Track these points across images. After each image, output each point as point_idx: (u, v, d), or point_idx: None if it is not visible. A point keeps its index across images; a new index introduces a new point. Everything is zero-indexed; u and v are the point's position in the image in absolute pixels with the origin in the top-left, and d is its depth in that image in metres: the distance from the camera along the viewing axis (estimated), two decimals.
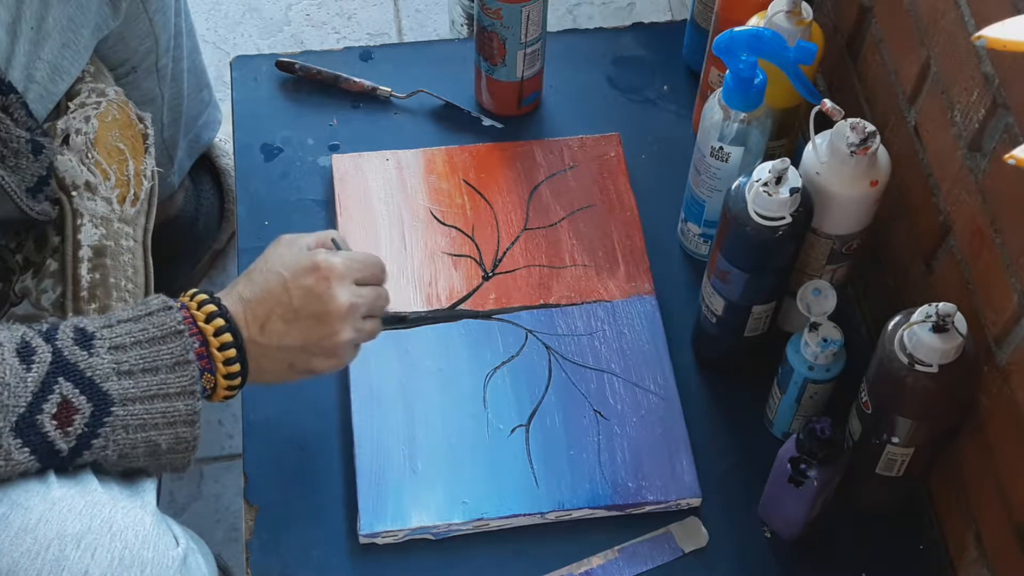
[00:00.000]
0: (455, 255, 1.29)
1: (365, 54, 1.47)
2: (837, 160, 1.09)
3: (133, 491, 1.00)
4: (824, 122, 1.09)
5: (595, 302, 1.27)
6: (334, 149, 1.39)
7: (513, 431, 1.19)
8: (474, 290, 1.27)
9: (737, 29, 1.12)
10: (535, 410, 1.20)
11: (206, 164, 1.68)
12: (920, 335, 0.99)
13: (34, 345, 0.92)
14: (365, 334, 1.08)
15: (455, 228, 1.31)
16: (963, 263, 1.10)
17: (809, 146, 1.11)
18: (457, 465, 1.16)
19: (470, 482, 1.15)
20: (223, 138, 1.69)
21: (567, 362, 1.23)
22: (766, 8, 1.20)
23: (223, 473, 1.57)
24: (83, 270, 1.18)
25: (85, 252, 1.17)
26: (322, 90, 1.43)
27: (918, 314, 0.99)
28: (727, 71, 1.14)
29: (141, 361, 0.95)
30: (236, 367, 0.99)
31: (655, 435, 1.19)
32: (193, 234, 1.64)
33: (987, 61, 1.03)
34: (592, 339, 1.24)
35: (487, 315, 1.25)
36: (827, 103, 1.08)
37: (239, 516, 1.37)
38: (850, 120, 1.08)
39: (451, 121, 1.42)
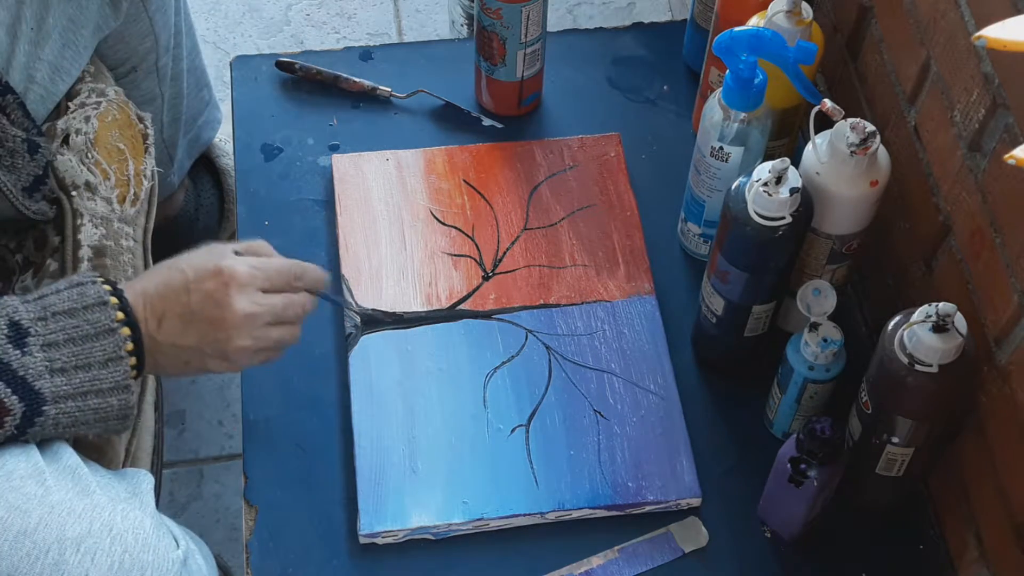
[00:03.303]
0: (455, 255, 1.29)
1: (365, 54, 1.47)
2: (837, 160, 1.09)
3: (132, 492, 1.00)
4: (824, 122, 1.09)
5: (595, 302, 1.27)
6: (334, 149, 1.39)
7: (513, 431, 1.19)
8: (474, 290, 1.27)
9: (737, 29, 1.12)
10: (535, 410, 1.20)
11: (206, 164, 1.68)
12: (920, 335, 0.99)
13: None
14: (269, 342, 1.06)
15: (455, 228, 1.31)
16: (963, 263, 1.10)
17: (809, 146, 1.11)
18: (457, 465, 1.16)
19: (470, 482, 1.15)
20: (223, 138, 1.69)
21: (567, 362, 1.23)
22: (766, 8, 1.20)
23: (223, 473, 1.57)
24: (83, 270, 1.17)
25: (85, 252, 1.17)
26: (322, 90, 1.43)
27: (918, 314, 0.99)
28: (727, 71, 1.14)
29: (74, 359, 0.95)
30: (134, 360, 0.99)
31: (655, 435, 1.19)
32: (193, 234, 1.64)
33: (987, 61, 1.03)
34: (592, 339, 1.24)
35: (487, 315, 1.25)
36: (827, 103, 1.08)
37: (239, 516, 1.37)
38: (850, 120, 1.08)
39: (451, 121, 1.42)
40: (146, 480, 1.03)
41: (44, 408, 0.94)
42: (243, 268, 1.03)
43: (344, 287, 1.26)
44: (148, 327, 1.00)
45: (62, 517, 0.91)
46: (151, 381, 1.23)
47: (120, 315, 0.98)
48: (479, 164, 1.36)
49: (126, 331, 0.98)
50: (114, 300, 0.98)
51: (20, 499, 0.90)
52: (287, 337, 1.08)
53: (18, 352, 0.93)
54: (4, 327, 0.94)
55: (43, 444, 0.97)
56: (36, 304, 0.96)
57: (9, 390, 0.92)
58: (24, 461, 0.93)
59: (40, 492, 0.92)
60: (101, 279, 0.99)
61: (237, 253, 1.06)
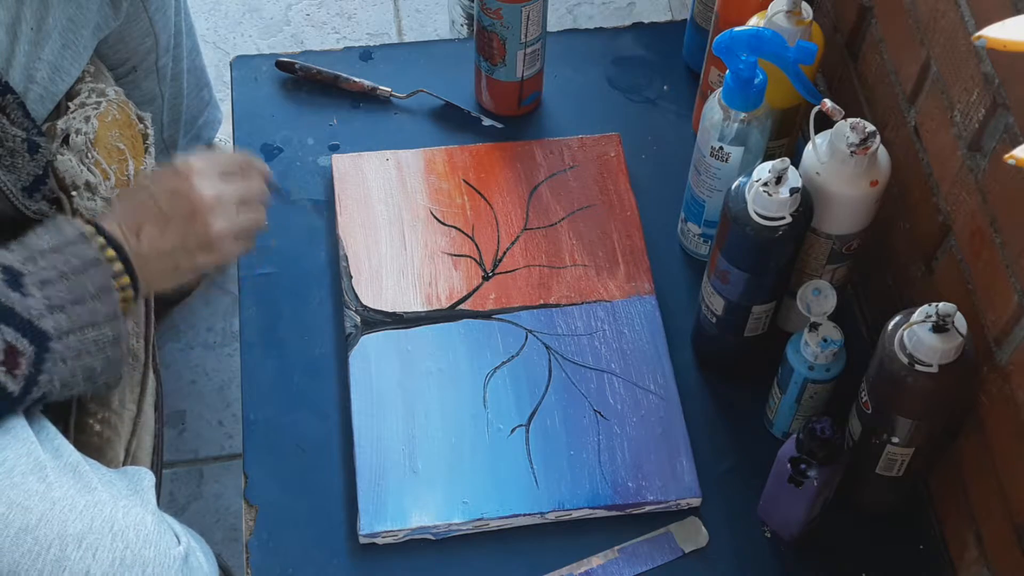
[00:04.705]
0: (455, 255, 1.29)
1: (365, 54, 1.47)
2: (837, 160, 1.09)
3: (133, 489, 1.00)
4: (824, 122, 1.10)
5: (595, 302, 1.27)
6: (334, 149, 1.39)
7: (513, 431, 1.19)
8: (474, 290, 1.27)
9: (737, 29, 1.12)
10: (535, 410, 1.20)
11: None
12: (920, 335, 0.99)
13: None
14: (243, 225, 1.10)
15: (455, 228, 1.31)
16: (963, 263, 1.10)
17: (809, 146, 1.11)
18: (457, 465, 1.16)
19: (470, 482, 1.15)
20: (223, 138, 1.69)
21: (567, 362, 1.23)
22: (766, 8, 1.20)
23: (223, 473, 1.57)
24: None
25: None
26: (322, 90, 1.43)
27: (918, 314, 0.99)
28: (727, 71, 1.14)
29: (69, 294, 0.97)
30: (126, 279, 1.02)
31: (655, 435, 1.19)
32: None
33: (987, 61, 1.03)
34: (592, 339, 1.24)
35: (487, 315, 1.25)
36: (827, 103, 1.08)
37: (239, 516, 1.37)
38: (850, 120, 1.08)
39: (451, 121, 1.42)
40: (147, 477, 1.03)
41: (50, 344, 0.96)
42: (197, 159, 1.08)
43: (344, 287, 1.26)
44: (130, 244, 1.03)
45: (63, 513, 0.91)
46: (151, 381, 1.23)
47: (102, 240, 1.01)
48: (479, 164, 1.36)
49: (112, 253, 1.01)
50: (90, 229, 1.01)
51: (21, 495, 0.91)
52: (256, 221, 1.12)
53: (18, 295, 0.95)
54: None
55: (44, 441, 0.97)
56: (21, 248, 0.98)
57: (18, 334, 0.94)
58: (25, 457, 0.93)
59: (41, 488, 0.92)
60: (73, 217, 1.02)
61: None
